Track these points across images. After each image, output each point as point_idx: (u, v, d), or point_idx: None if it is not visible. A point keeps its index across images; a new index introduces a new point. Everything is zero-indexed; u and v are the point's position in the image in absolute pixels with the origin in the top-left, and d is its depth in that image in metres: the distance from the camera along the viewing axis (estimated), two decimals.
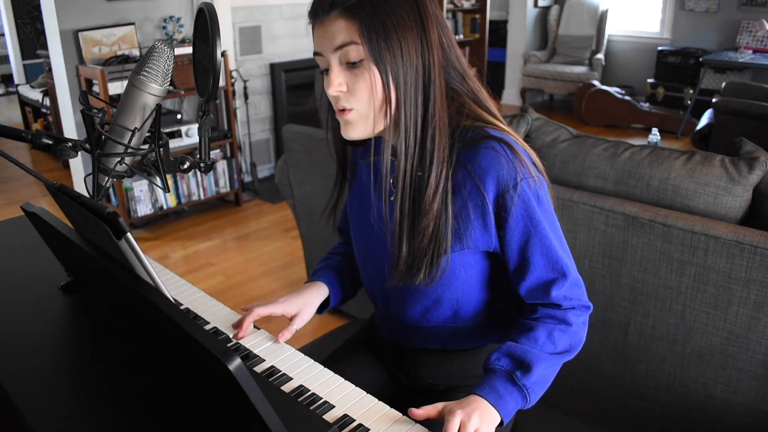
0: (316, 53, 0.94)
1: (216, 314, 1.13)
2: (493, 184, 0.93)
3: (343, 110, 0.94)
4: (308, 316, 1.13)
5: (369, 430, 0.85)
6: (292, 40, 4.37)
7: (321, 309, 1.18)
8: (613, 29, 6.43)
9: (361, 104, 0.92)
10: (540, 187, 0.96)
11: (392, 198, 0.97)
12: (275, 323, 1.21)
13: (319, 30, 0.92)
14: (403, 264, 0.98)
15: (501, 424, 0.90)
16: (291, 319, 1.11)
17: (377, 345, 1.23)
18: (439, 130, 0.93)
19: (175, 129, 3.53)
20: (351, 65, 0.91)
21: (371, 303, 1.19)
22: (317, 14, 0.91)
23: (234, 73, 3.99)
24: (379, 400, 0.91)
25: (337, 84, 0.92)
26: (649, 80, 6.03)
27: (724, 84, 4.26)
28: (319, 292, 1.16)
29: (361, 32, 0.88)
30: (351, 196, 1.15)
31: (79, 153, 1.15)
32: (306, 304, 1.13)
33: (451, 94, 0.97)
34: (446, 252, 0.96)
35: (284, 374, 0.96)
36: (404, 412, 0.88)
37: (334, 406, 0.89)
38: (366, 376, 1.18)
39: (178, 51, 3.46)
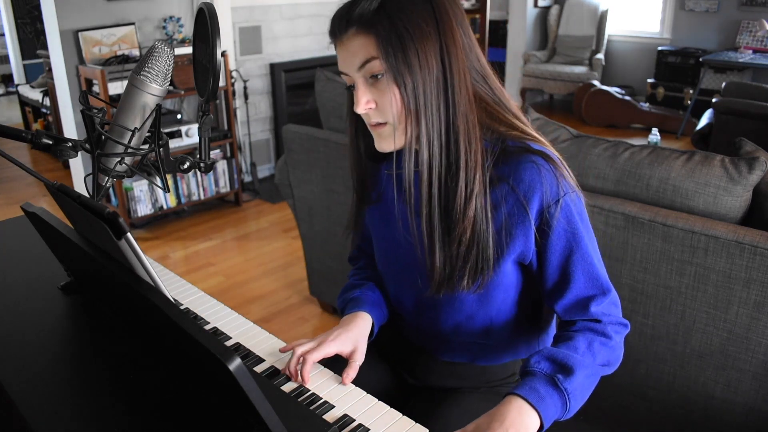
0: (340, 72, 0.93)
1: (216, 314, 1.13)
2: (537, 199, 0.91)
3: (377, 125, 0.93)
4: (365, 349, 1.05)
5: (369, 430, 0.85)
6: (292, 40, 4.37)
7: None
8: (613, 29, 6.43)
9: (390, 117, 0.91)
10: (580, 201, 0.95)
11: (418, 209, 0.94)
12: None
13: (340, 49, 0.91)
14: (438, 273, 0.95)
15: (540, 430, 0.85)
16: (348, 356, 1.03)
17: (386, 343, 1.22)
18: (466, 135, 0.90)
19: (175, 129, 3.53)
20: (375, 79, 0.89)
21: (399, 312, 1.16)
22: (335, 33, 0.90)
23: (234, 73, 3.99)
24: (380, 399, 0.91)
25: (364, 102, 0.91)
26: (649, 80, 6.03)
27: (724, 84, 4.26)
28: (365, 323, 1.08)
29: (377, 46, 0.86)
30: (372, 210, 1.12)
31: (79, 153, 1.15)
32: (359, 337, 1.05)
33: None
34: (491, 255, 0.94)
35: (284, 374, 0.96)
36: (405, 412, 0.88)
37: (334, 406, 0.89)
38: (366, 375, 1.17)
39: (178, 51, 3.46)
